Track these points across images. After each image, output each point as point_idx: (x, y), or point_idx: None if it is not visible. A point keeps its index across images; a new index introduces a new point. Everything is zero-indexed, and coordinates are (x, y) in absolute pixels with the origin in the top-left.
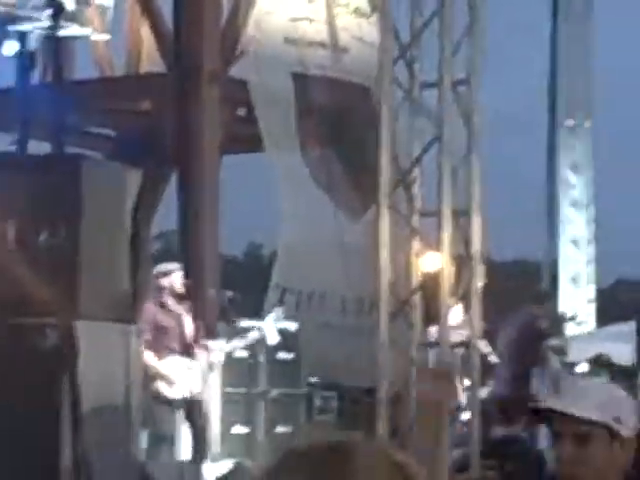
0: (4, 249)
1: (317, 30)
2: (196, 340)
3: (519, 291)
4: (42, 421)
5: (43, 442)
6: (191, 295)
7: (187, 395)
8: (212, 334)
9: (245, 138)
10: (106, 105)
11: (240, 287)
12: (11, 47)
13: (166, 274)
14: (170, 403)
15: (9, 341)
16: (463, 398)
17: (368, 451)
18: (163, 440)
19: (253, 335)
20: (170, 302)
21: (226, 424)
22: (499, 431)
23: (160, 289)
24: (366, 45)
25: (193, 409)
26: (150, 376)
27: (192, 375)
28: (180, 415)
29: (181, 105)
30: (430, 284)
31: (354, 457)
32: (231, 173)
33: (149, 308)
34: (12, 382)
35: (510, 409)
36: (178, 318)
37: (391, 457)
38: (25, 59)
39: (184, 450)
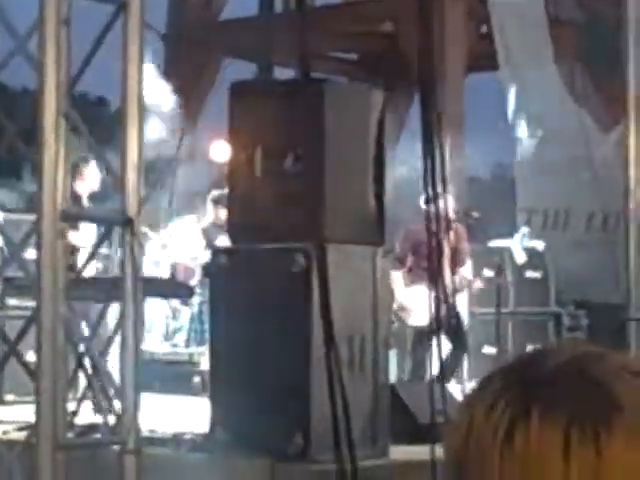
0: (252, 175)
1: None
2: (452, 266)
3: None
4: (293, 345)
5: (294, 363)
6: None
7: (429, 321)
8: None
9: (489, 56)
10: (349, 29)
11: (487, 208)
12: None
13: (431, 200)
14: (417, 327)
15: (257, 266)
16: None
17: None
18: (410, 361)
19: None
20: (435, 228)
21: (475, 344)
22: None
23: (426, 214)
24: None
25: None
26: (398, 302)
27: (440, 301)
28: (427, 337)
29: (424, 25)
30: None
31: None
32: (475, 91)
33: (414, 232)
34: (261, 306)
35: None
36: (439, 244)
37: None
38: None
39: (432, 371)
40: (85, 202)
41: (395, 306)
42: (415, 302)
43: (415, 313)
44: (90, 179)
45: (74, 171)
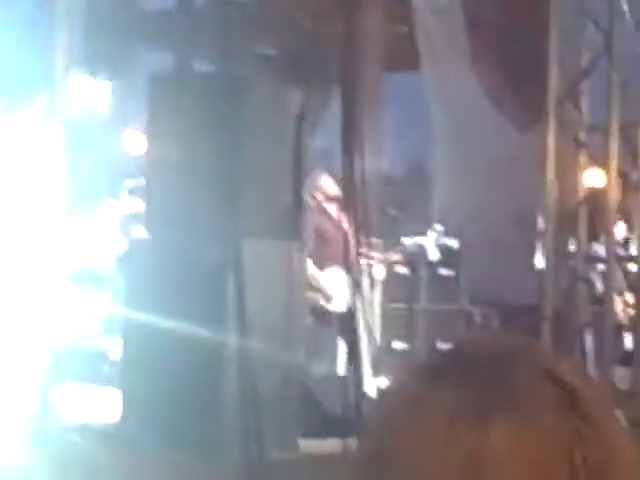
0: (171, 167)
1: None
2: (357, 252)
3: None
4: (205, 337)
5: (206, 356)
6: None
7: (343, 309)
8: (372, 248)
9: (407, 55)
10: (268, 24)
11: (401, 205)
12: None
13: (313, 182)
14: (327, 316)
15: (174, 258)
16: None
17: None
18: (320, 355)
19: (411, 249)
20: (329, 209)
21: (386, 339)
22: None
23: (313, 198)
24: None
25: (348, 323)
26: (312, 287)
27: (349, 288)
28: (336, 329)
29: (343, 22)
30: (594, 200)
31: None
32: (393, 91)
33: (312, 217)
34: (177, 299)
35: None
36: (340, 228)
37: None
38: None
39: (341, 365)
40: None
41: (311, 292)
42: (333, 286)
43: (335, 299)
44: None
45: None
